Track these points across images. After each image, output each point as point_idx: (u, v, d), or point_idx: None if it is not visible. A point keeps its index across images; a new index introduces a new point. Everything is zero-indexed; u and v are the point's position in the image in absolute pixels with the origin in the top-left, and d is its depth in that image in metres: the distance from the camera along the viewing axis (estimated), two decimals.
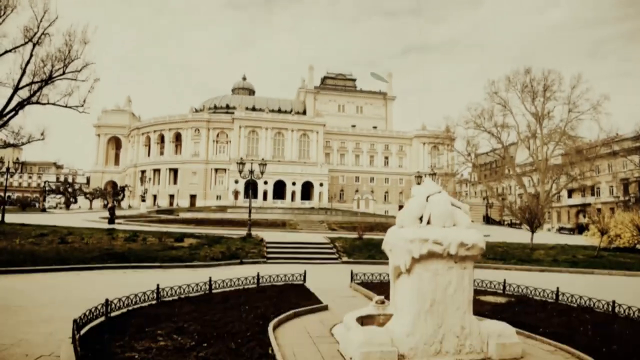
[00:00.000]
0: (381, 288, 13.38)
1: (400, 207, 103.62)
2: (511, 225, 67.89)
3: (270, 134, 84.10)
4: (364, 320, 8.02)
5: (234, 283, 12.37)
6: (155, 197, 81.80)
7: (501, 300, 12.05)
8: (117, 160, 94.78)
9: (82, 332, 7.42)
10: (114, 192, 77.48)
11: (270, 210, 58.92)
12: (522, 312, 10.57)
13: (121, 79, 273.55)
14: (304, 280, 13.85)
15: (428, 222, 6.70)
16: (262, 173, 30.50)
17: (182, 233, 25.16)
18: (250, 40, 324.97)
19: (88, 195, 68.18)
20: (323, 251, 22.83)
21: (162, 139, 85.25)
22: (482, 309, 10.71)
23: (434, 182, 7.24)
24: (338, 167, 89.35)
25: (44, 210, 55.14)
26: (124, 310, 9.04)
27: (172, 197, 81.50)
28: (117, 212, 41.16)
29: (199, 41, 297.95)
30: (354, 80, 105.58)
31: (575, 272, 20.32)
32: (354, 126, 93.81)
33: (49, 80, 28.39)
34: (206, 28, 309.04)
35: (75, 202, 69.22)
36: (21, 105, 27.77)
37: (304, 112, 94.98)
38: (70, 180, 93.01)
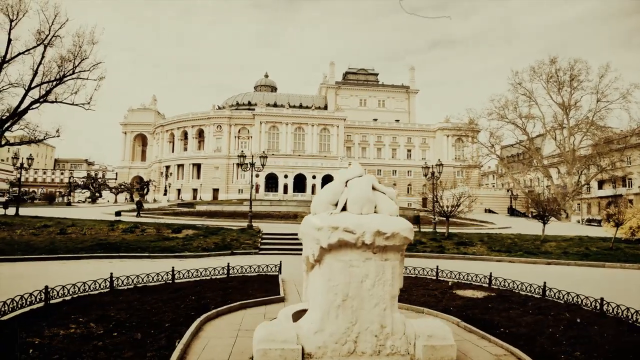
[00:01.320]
0: None
1: (424, 199, 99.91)
2: (537, 216, 65.48)
3: (291, 129, 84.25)
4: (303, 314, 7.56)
5: (201, 273, 12.14)
6: (179, 191, 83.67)
7: (479, 295, 11.23)
8: (143, 156, 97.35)
9: (11, 315, 7.43)
10: (140, 187, 79.67)
11: (285, 203, 58.82)
12: (495, 308, 9.75)
13: (147, 78, 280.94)
14: (280, 271, 13.47)
15: (344, 209, 6.10)
16: (262, 166, 30.53)
17: (182, 224, 25.29)
18: (274, 38, 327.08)
19: (113, 190, 70.24)
20: None
21: (185, 135, 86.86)
22: (450, 304, 10.02)
23: (358, 165, 6.57)
24: (359, 161, 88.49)
25: (69, 204, 57.20)
26: (68, 297, 8.94)
27: (195, 190, 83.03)
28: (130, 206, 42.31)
29: (224, 41, 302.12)
30: (376, 74, 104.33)
31: (583, 265, 18.98)
32: (375, 120, 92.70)
33: (61, 80, 29.12)
34: (230, 28, 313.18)
35: (100, 196, 71.52)
36: (33, 104, 28.61)
37: (326, 107, 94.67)
38: (100, 175, 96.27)
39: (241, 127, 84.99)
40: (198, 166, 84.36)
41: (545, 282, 11.30)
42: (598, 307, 9.61)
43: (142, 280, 10.88)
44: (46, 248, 17.27)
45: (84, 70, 29.54)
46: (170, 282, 11.29)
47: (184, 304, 8.60)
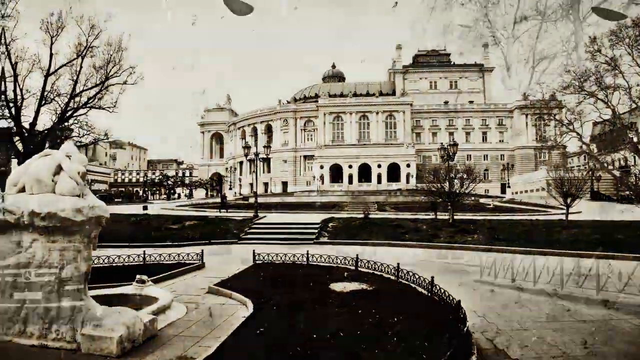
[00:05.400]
0: (276, 269, 12.52)
1: (502, 185, 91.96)
2: (621, 200, 57.34)
3: (355, 118, 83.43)
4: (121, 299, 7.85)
5: (123, 260, 12.92)
6: (251, 185, 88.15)
7: (351, 288, 10.13)
8: (221, 154, 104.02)
9: None
10: (218, 182, 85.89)
11: (331, 192, 58.59)
12: (328, 303, 8.72)
13: (225, 78, 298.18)
14: (201, 260, 13.72)
15: (24, 190, 6.09)
16: (266, 155, 30.95)
17: (189, 216, 26.77)
18: (346, 31, 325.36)
19: (187, 187, 76.55)
20: (307, 232, 21.93)
21: (255, 131, 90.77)
22: (291, 299, 9.07)
23: (68, 144, 6.46)
24: (430, 146, 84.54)
25: (144, 201, 63.81)
26: None
27: (266, 184, 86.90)
28: (207, 200, 45.62)
29: (296, 37, 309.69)
30: (447, 54, 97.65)
31: (587, 255, 15.90)
32: (446, 102, 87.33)
33: (102, 85, 32.40)
34: (306, 24, 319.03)
35: (174, 193, 78.38)
36: (75, 110, 32.21)
37: (394, 93, 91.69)
38: (187, 174, 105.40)
39: (306, 119, 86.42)
40: (268, 160, 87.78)
41: (433, 277, 9.75)
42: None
43: None
44: None
45: (117, 76, 32.44)
46: None
47: None
